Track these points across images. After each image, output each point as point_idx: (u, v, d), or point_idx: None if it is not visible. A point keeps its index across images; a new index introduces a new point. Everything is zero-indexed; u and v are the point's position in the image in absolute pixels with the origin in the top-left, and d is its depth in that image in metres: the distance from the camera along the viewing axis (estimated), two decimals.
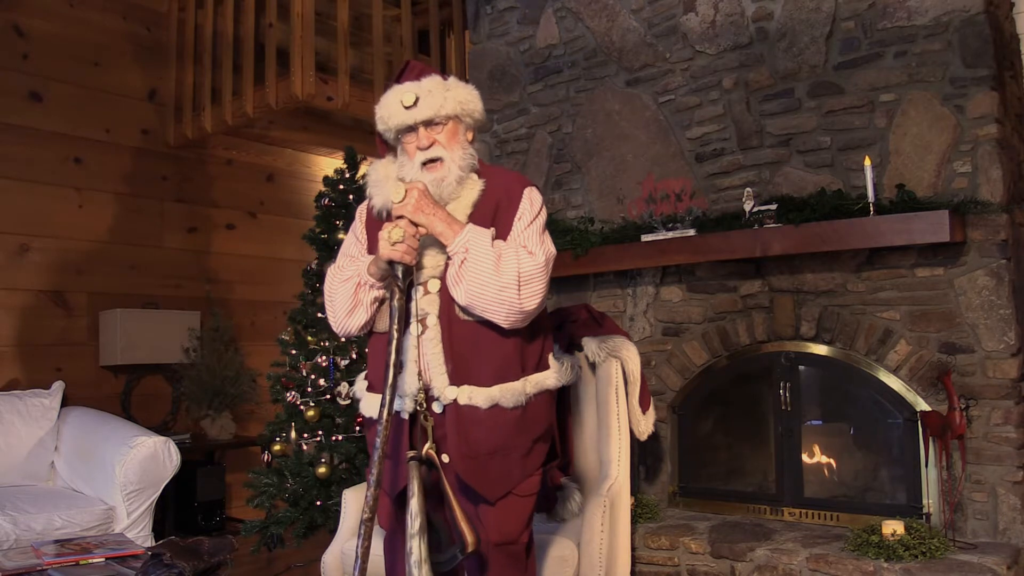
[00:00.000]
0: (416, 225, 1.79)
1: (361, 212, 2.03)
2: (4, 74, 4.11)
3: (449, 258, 1.81)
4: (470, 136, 1.93)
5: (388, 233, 1.76)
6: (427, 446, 1.81)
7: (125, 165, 4.55)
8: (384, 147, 1.98)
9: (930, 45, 2.97)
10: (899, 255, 2.98)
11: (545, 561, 2.48)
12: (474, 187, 1.90)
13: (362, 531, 1.68)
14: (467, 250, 1.77)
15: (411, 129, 1.87)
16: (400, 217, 1.79)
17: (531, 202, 1.90)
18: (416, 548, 1.74)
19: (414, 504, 1.76)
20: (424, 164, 1.86)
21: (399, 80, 1.91)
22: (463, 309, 1.84)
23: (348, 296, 1.90)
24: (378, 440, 1.72)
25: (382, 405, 1.74)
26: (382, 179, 1.91)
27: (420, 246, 1.84)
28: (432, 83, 1.87)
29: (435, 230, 1.79)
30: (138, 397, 4.48)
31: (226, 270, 4.96)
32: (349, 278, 1.91)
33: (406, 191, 1.77)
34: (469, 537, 1.76)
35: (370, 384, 1.99)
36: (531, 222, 1.88)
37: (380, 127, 1.92)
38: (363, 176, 2.08)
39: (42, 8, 4.26)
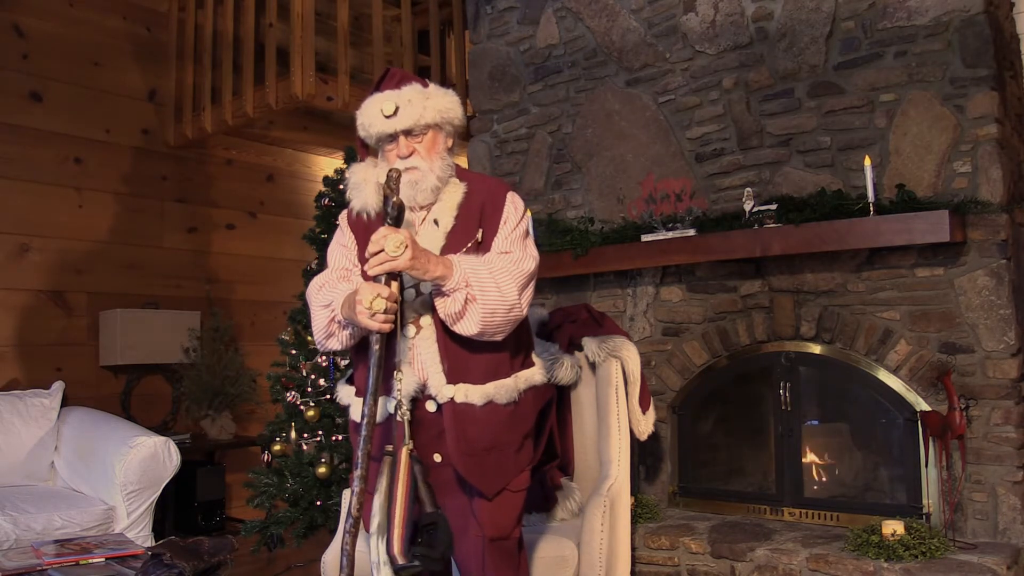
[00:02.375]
0: (395, 290, 1.74)
1: (343, 218, 2.02)
2: (4, 74, 4.11)
3: (443, 293, 1.78)
4: (449, 143, 1.94)
5: (369, 303, 1.70)
6: (405, 445, 1.80)
7: (125, 165, 4.55)
8: (364, 150, 1.99)
9: (930, 45, 2.98)
10: (899, 255, 2.98)
11: (545, 561, 2.48)
12: (457, 190, 1.91)
13: (347, 527, 1.67)
14: (468, 284, 1.77)
15: (392, 138, 1.87)
16: (394, 278, 1.74)
17: (515, 207, 1.93)
18: (374, 549, 1.73)
19: (376, 502, 1.75)
20: (403, 170, 1.86)
21: (379, 88, 1.91)
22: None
23: (324, 324, 1.91)
24: (361, 439, 1.71)
25: (364, 404, 1.74)
26: (361, 182, 1.93)
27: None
28: (412, 92, 1.87)
29: (434, 275, 1.76)
30: (138, 397, 4.48)
31: (226, 270, 4.96)
32: (327, 305, 1.89)
33: (405, 247, 1.71)
34: (396, 547, 1.74)
35: (358, 389, 1.98)
36: (515, 227, 1.91)
37: (361, 133, 1.93)
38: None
39: (42, 8, 4.26)
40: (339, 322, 1.87)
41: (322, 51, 4.44)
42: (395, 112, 1.84)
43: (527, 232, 1.95)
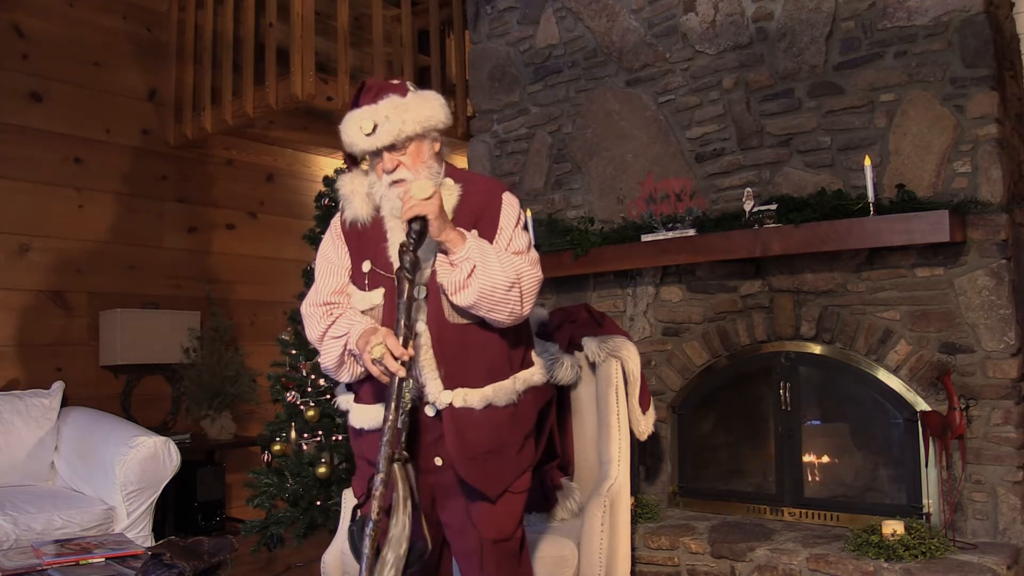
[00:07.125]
0: (406, 348, 1.73)
1: (335, 225, 2.00)
2: (4, 74, 4.10)
3: (451, 263, 1.81)
4: (436, 147, 1.91)
5: (370, 348, 1.73)
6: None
7: (125, 165, 4.55)
8: (351, 161, 1.98)
9: (930, 45, 2.97)
10: (899, 255, 2.98)
11: (545, 561, 2.48)
12: (452, 193, 1.90)
13: (368, 531, 1.64)
14: (471, 258, 1.78)
15: (376, 153, 1.86)
16: (410, 328, 1.75)
17: (512, 207, 1.93)
18: (401, 524, 1.71)
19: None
20: (391, 183, 1.87)
21: (356, 103, 1.89)
22: (456, 310, 1.84)
23: (336, 356, 1.90)
24: (383, 445, 1.68)
25: (387, 409, 1.72)
26: (350, 194, 1.94)
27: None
28: (389, 107, 1.83)
29: (448, 238, 1.79)
30: (138, 397, 4.48)
31: (226, 270, 4.96)
32: (340, 336, 1.88)
33: (433, 191, 1.76)
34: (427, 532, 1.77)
35: (357, 395, 1.98)
36: (515, 226, 1.92)
37: (346, 149, 1.92)
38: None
39: (42, 8, 4.26)
40: (353, 355, 1.86)
41: (322, 51, 4.44)
42: (373, 130, 1.82)
43: (529, 243, 1.94)
